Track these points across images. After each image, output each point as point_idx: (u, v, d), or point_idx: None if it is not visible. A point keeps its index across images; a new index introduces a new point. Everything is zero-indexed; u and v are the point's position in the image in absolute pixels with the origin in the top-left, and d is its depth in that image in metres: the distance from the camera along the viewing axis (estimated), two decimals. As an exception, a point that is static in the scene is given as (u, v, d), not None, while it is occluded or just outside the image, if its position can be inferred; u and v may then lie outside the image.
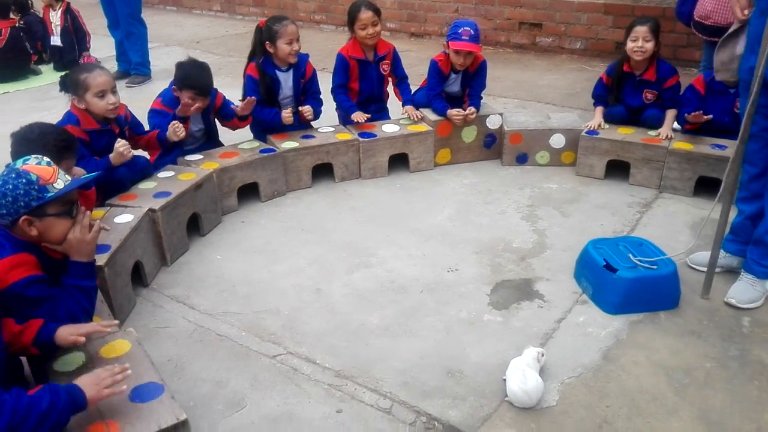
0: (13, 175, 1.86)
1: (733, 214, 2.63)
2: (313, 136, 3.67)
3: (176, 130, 3.19)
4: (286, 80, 3.76)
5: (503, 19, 6.66)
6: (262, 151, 3.45)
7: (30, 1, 6.91)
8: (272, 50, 3.64)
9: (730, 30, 2.70)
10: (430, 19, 7.18)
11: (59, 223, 1.94)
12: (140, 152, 3.34)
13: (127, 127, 3.19)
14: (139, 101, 4.47)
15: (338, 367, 2.24)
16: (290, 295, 2.66)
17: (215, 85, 3.51)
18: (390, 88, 4.18)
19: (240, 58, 4.06)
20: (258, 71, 3.67)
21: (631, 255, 2.53)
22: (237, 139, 3.69)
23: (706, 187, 3.33)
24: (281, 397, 2.11)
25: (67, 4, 6.38)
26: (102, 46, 6.61)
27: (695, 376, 2.16)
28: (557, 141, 3.80)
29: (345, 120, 3.91)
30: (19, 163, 1.91)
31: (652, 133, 3.56)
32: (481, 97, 3.91)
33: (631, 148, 3.51)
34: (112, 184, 2.91)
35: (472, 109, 3.75)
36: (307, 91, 3.85)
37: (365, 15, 3.77)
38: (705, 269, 2.57)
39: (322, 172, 3.68)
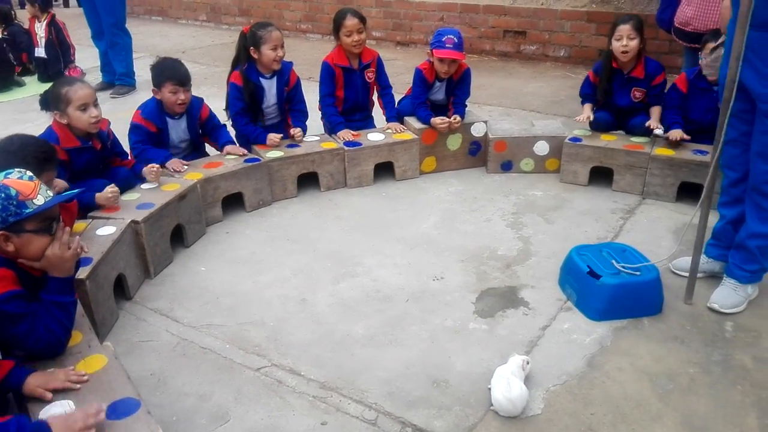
0: None
1: (714, 219, 2.65)
2: (298, 145, 3.66)
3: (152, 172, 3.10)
4: (270, 88, 3.75)
5: (488, 27, 6.70)
6: (246, 161, 3.44)
7: (14, 12, 6.88)
8: (256, 56, 3.64)
9: (719, 41, 2.74)
10: (416, 28, 7.22)
11: (37, 239, 1.91)
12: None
13: (109, 142, 3.16)
14: (123, 112, 4.44)
15: (323, 378, 2.22)
16: (275, 305, 2.65)
17: (200, 94, 3.50)
18: (376, 97, 4.19)
19: (225, 68, 4.04)
20: (242, 78, 3.66)
21: (614, 261, 2.54)
22: (221, 149, 3.67)
23: (688, 192, 3.36)
24: (265, 410, 2.09)
25: (52, 16, 6.36)
26: (86, 57, 6.58)
27: (679, 382, 2.17)
28: (541, 148, 3.82)
29: (331, 130, 3.91)
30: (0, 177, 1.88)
31: (635, 139, 3.60)
32: (466, 105, 3.93)
33: (614, 155, 3.53)
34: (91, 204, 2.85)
35: (456, 117, 3.77)
36: (291, 100, 3.85)
37: (351, 22, 3.78)
38: (688, 275, 2.58)
39: (308, 181, 3.67)
